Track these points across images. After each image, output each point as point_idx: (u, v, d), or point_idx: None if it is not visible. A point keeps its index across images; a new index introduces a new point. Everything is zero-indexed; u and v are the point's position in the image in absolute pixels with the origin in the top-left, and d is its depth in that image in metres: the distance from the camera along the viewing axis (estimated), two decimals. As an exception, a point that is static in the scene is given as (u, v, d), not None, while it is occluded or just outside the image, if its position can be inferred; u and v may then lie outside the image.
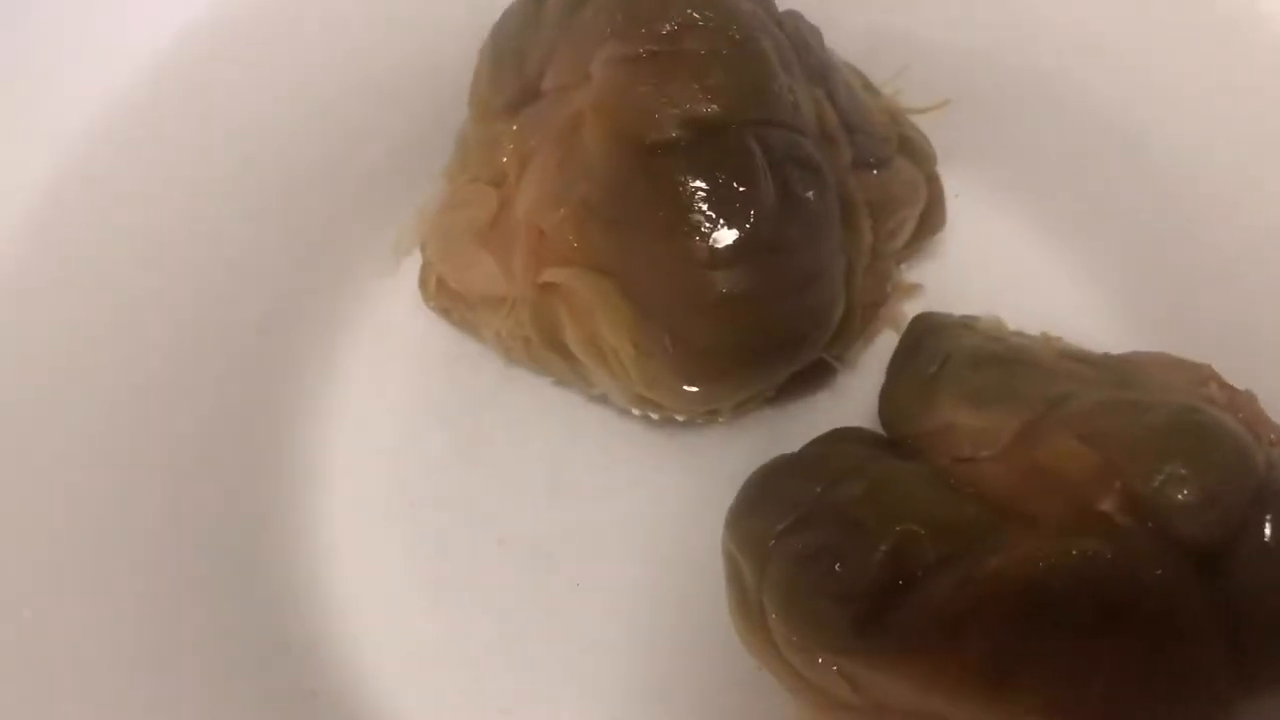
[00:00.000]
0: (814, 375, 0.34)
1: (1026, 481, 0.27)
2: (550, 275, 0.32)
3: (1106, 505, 0.26)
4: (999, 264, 0.38)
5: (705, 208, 0.29)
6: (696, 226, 0.29)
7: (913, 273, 0.38)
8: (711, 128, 0.30)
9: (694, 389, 0.32)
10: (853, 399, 0.36)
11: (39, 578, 0.30)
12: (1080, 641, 0.25)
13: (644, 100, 0.30)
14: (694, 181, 0.29)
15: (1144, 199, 0.37)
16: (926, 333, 0.33)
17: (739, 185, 0.29)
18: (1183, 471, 0.25)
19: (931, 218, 0.37)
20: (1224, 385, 0.29)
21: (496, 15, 0.35)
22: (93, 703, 0.29)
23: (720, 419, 0.35)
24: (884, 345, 0.36)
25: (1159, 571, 0.25)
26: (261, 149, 0.37)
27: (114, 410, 0.33)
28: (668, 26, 0.30)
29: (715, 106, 0.30)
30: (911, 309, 0.36)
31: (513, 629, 0.34)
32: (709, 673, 0.33)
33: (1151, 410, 0.27)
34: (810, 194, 0.30)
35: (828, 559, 0.27)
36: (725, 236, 0.29)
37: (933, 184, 0.37)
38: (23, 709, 0.28)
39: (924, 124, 0.38)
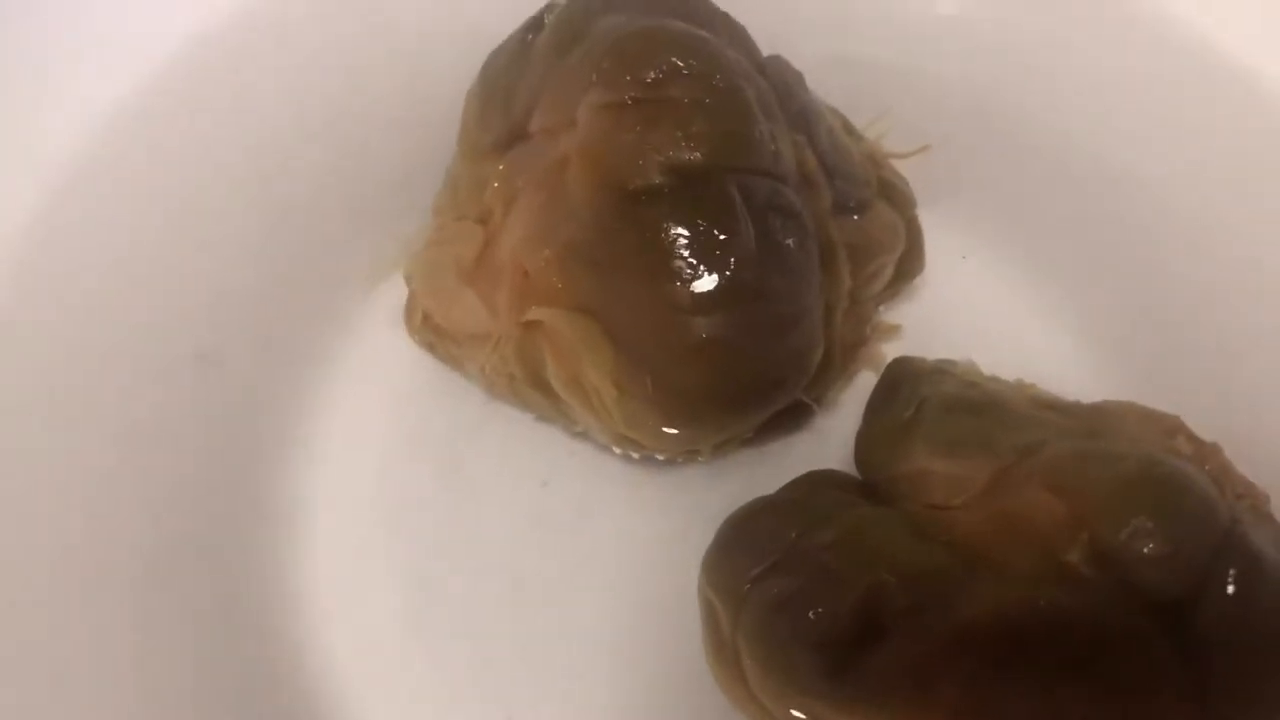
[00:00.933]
0: (792, 416, 0.35)
1: (997, 530, 0.28)
2: (534, 314, 0.32)
3: (1074, 556, 0.26)
4: (977, 307, 0.39)
5: (687, 254, 0.30)
6: (678, 272, 0.30)
7: (892, 314, 0.39)
8: (694, 175, 0.30)
9: (674, 430, 0.32)
10: (831, 439, 0.36)
11: (23, 601, 0.30)
12: (1047, 692, 0.25)
13: (628, 147, 0.30)
14: (676, 228, 0.30)
15: (1120, 244, 0.38)
16: (902, 377, 0.33)
17: (720, 233, 0.30)
18: (1149, 525, 0.26)
19: (910, 262, 0.37)
20: (1191, 437, 0.30)
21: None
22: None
23: (700, 458, 0.35)
24: (863, 386, 0.36)
25: (1125, 622, 0.25)
26: (250, 175, 0.37)
27: (91, 442, 0.33)
28: (652, 74, 0.30)
29: (698, 154, 0.30)
30: (891, 350, 0.37)
31: (492, 662, 0.34)
32: (683, 711, 0.33)
33: (1120, 461, 0.27)
34: (790, 241, 0.31)
35: (801, 605, 0.27)
36: (706, 283, 0.30)
37: (912, 228, 0.37)
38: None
39: (903, 166, 0.39)
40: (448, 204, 0.37)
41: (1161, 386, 0.34)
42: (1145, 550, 0.25)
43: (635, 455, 0.35)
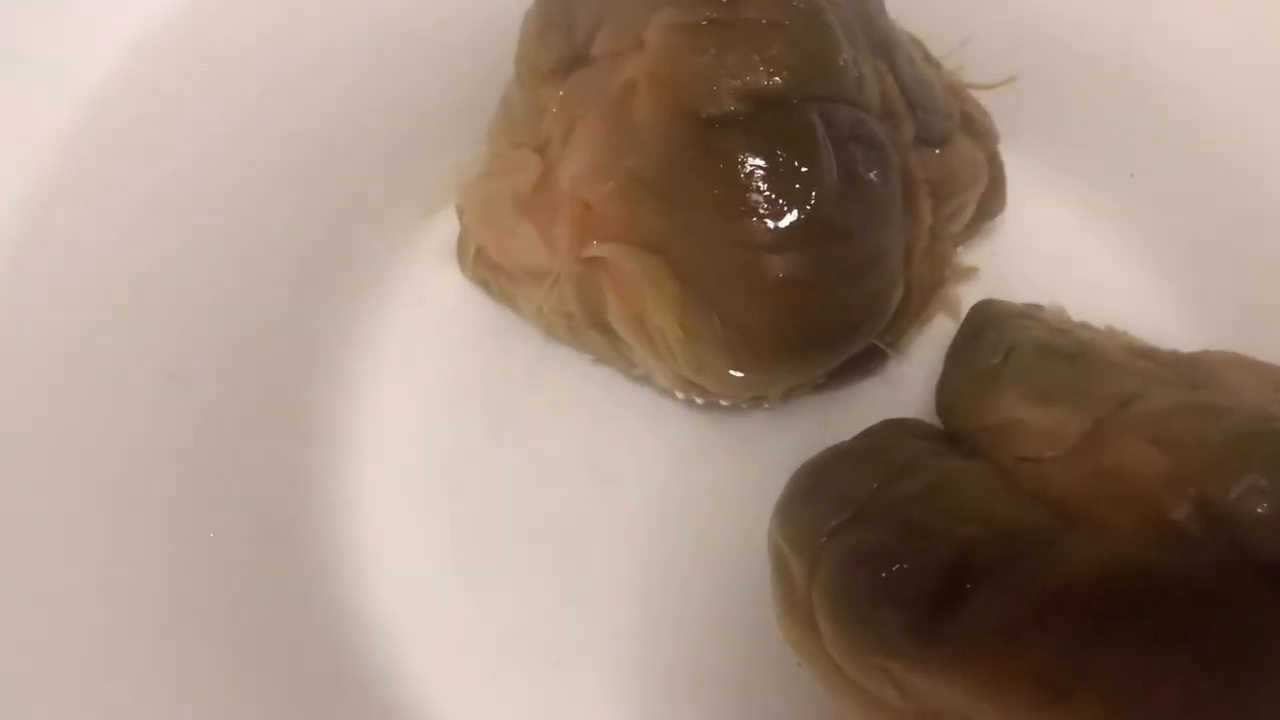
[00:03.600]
0: (865, 362, 0.33)
1: (1095, 485, 0.26)
2: (596, 250, 0.31)
3: (1179, 515, 0.25)
4: (1059, 250, 0.37)
5: (764, 187, 0.28)
6: (754, 207, 0.28)
7: (969, 255, 0.37)
8: (772, 102, 0.28)
9: (742, 374, 0.31)
10: (903, 387, 0.35)
11: (64, 541, 0.29)
12: (1147, 657, 0.24)
13: (701, 71, 0.29)
14: (753, 159, 0.28)
15: (1215, 190, 0.36)
16: (988, 322, 0.31)
17: (800, 164, 0.28)
18: (1263, 483, 0.24)
19: (991, 200, 0.36)
20: (1302, 390, 0.28)
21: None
22: (121, 669, 0.28)
23: (766, 405, 0.34)
24: (937, 331, 0.35)
25: (1235, 587, 0.24)
26: (289, 105, 0.36)
27: (137, 385, 0.32)
28: (728, -9, 0.29)
29: (777, 80, 0.28)
30: (967, 293, 0.35)
31: (543, 614, 0.33)
32: (745, 667, 0.32)
33: (1228, 416, 0.26)
34: (874, 175, 0.29)
35: (884, 560, 0.26)
36: (784, 218, 0.28)
37: (994, 164, 0.35)
38: (48, 676, 0.28)
39: (984, 99, 0.36)
40: (502, 132, 0.35)
41: (1254, 337, 0.32)
42: (1259, 511, 0.24)
43: (698, 400, 0.34)
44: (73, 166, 0.33)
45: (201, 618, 0.30)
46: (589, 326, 0.33)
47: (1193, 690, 0.24)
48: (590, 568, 0.33)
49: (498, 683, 0.32)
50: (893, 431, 0.30)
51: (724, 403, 0.34)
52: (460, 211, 0.36)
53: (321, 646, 0.32)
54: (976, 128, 0.35)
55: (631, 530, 0.34)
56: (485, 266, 0.35)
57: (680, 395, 0.34)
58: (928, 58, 0.36)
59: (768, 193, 0.28)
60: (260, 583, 0.31)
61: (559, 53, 0.33)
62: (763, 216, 0.28)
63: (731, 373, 0.31)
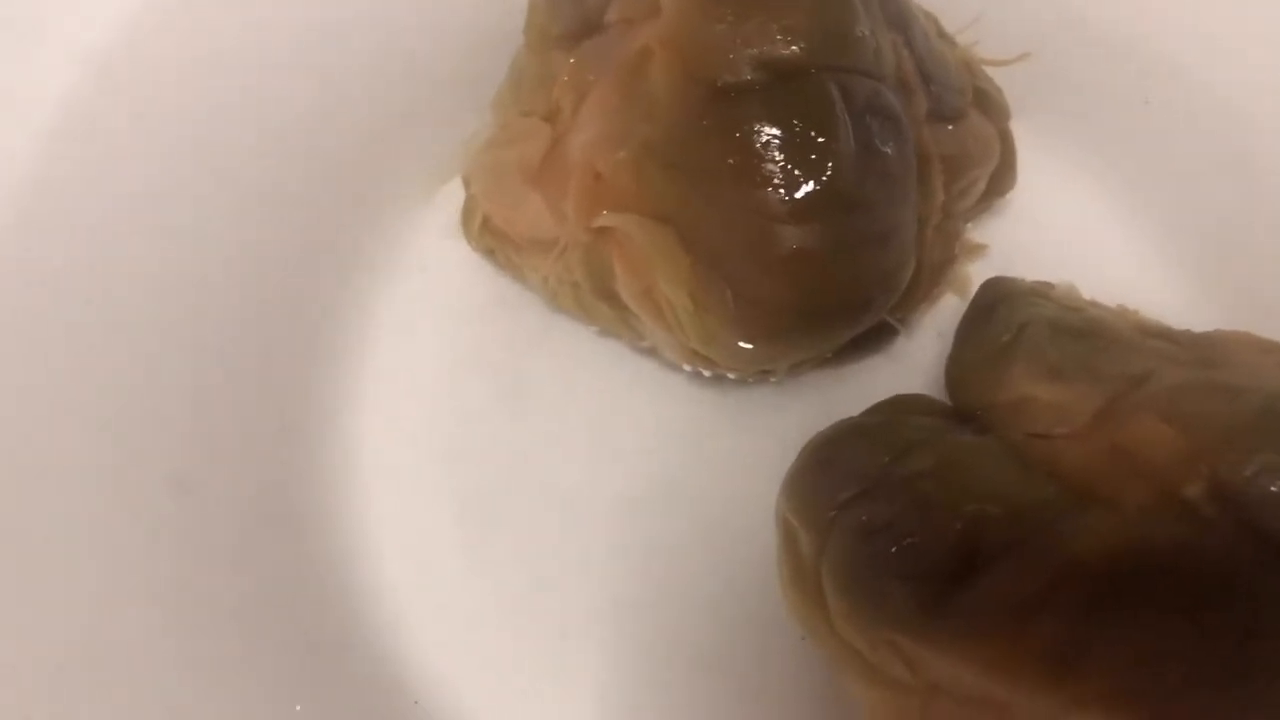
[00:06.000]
0: (874, 337, 0.33)
1: (1106, 462, 0.26)
2: (605, 220, 0.30)
3: (1191, 492, 0.25)
4: (1069, 228, 0.37)
5: (780, 157, 0.27)
6: (769, 177, 0.28)
7: (979, 233, 0.36)
8: (789, 72, 0.28)
9: (751, 347, 0.30)
10: (910, 363, 0.35)
11: (64, 510, 0.29)
12: (1157, 633, 0.24)
13: (718, 39, 0.28)
14: (769, 129, 0.28)
15: (1227, 168, 0.36)
16: (999, 299, 0.31)
17: (817, 135, 0.28)
18: (1277, 462, 0.24)
19: (1002, 177, 0.35)
20: (1314, 371, 0.28)
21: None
22: (122, 638, 0.28)
23: (774, 379, 0.34)
24: (945, 309, 0.35)
25: (1247, 565, 0.24)
26: (291, 71, 0.35)
27: (139, 351, 0.31)
28: (746, -42, 0.28)
29: (795, 49, 0.28)
30: (977, 271, 0.35)
31: (546, 583, 0.33)
32: (749, 639, 0.32)
33: (1243, 394, 0.26)
34: (890, 148, 0.29)
35: (895, 535, 0.25)
36: (800, 189, 0.27)
37: (1005, 140, 0.35)
38: (52, 639, 0.27)
39: (996, 75, 0.36)
40: (511, 100, 0.35)
41: (1266, 316, 0.32)
42: (1272, 489, 0.24)
43: (705, 373, 0.33)
44: (75, 131, 0.32)
45: (203, 587, 0.30)
46: (596, 297, 0.32)
47: (1201, 667, 0.24)
48: (594, 539, 0.33)
49: (499, 651, 0.32)
50: (902, 407, 0.30)
51: (731, 376, 0.34)
52: (467, 181, 0.35)
53: (324, 616, 0.31)
54: (989, 103, 0.35)
55: (635, 501, 0.34)
56: (491, 236, 0.35)
57: (687, 368, 0.33)
58: (941, 33, 0.35)
59: (783, 163, 0.27)
60: (262, 551, 0.31)
61: (570, 19, 0.32)
62: (777, 187, 0.27)
63: (741, 345, 0.30)
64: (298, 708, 0.29)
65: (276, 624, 0.30)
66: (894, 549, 0.25)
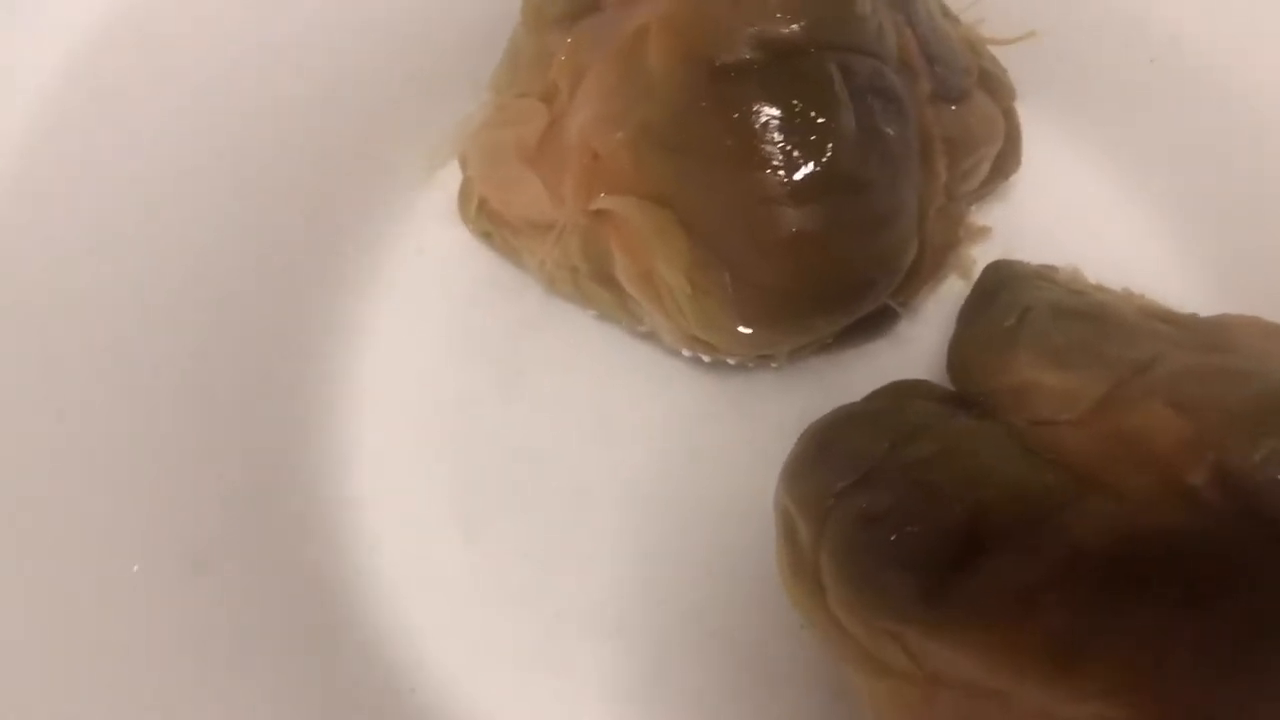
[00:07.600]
0: (875, 322, 0.32)
1: (1111, 448, 0.25)
2: (603, 203, 0.30)
3: (1197, 479, 0.24)
4: (1074, 211, 0.36)
5: (779, 138, 0.27)
6: (769, 158, 0.27)
7: (982, 215, 0.36)
8: (790, 51, 0.27)
9: (751, 331, 0.30)
10: (912, 347, 0.34)
11: (63, 486, 0.29)
12: (1161, 622, 0.23)
13: (716, 17, 0.28)
14: (768, 109, 0.27)
15: (1234, 150, 0.35)
16: (1002, 282, 0.31)
17: (817, 115, 0.27)
18: (1285, 448, 0.23)
19: (1006, 159, 0.35)
20: (1322, 356, 0.27)
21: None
22: (119, 619, 0.28)
23: (774, 364, 0.33)
24: (947, 293, 0.34)
25: (1253, 553, 0.23)
26: (294, 55, 0.35)
27: (135, 339, 0.31)
28: (745, -65, 0.27)
29: (795, 27, 0.27)
30: (980, 254, 0.34)
31: (545, 569, 0.33)
32: (750, 626, 0.32)
33: (1249, 380, 0.25)
34: (891, 129, 0.28)
35: (896, 522, 0.25)
36: (799, 170, 0.27)
37: (1010, 121, 0.34)
38: (50, 621, 0.27)
39: (1000, 58, 0.35)
40: (507, 80, 0.34)
41: (1273, 300, 0.31)
42: (1279, 476, 0.23)
43: (705, 358, 0.33)
44: (72, 109, 0.32)
45: (198, 571, 0.29)
46: (594, 281, 0.32)
47: (1206, 656, 0.23)
48: (592, 525, 0.33)
49: (497, 637, 0.32)
50: (903, 393, 0.30)
51: (731, 361, 0.33)
52: (463, 162, 0.35)
53: (318, 603, 0.31)
54: (994, 84, 0.34)
55: (634, 488, 0.33)
56: (488, 219, 0.35)
57: (686, 353, 0.33)
58: (945, 12, 0.35)
59: (783, 144, 0.27)
60: (258, 535, 0.31)
61: (568, -3, 0.32)
62: (777, 168, 0.27)
63: (740, 329, 0.30)
64: (293, 695, 0.29)
65: (270, 611, 0.30)
66: (894, 537, 0.25)
